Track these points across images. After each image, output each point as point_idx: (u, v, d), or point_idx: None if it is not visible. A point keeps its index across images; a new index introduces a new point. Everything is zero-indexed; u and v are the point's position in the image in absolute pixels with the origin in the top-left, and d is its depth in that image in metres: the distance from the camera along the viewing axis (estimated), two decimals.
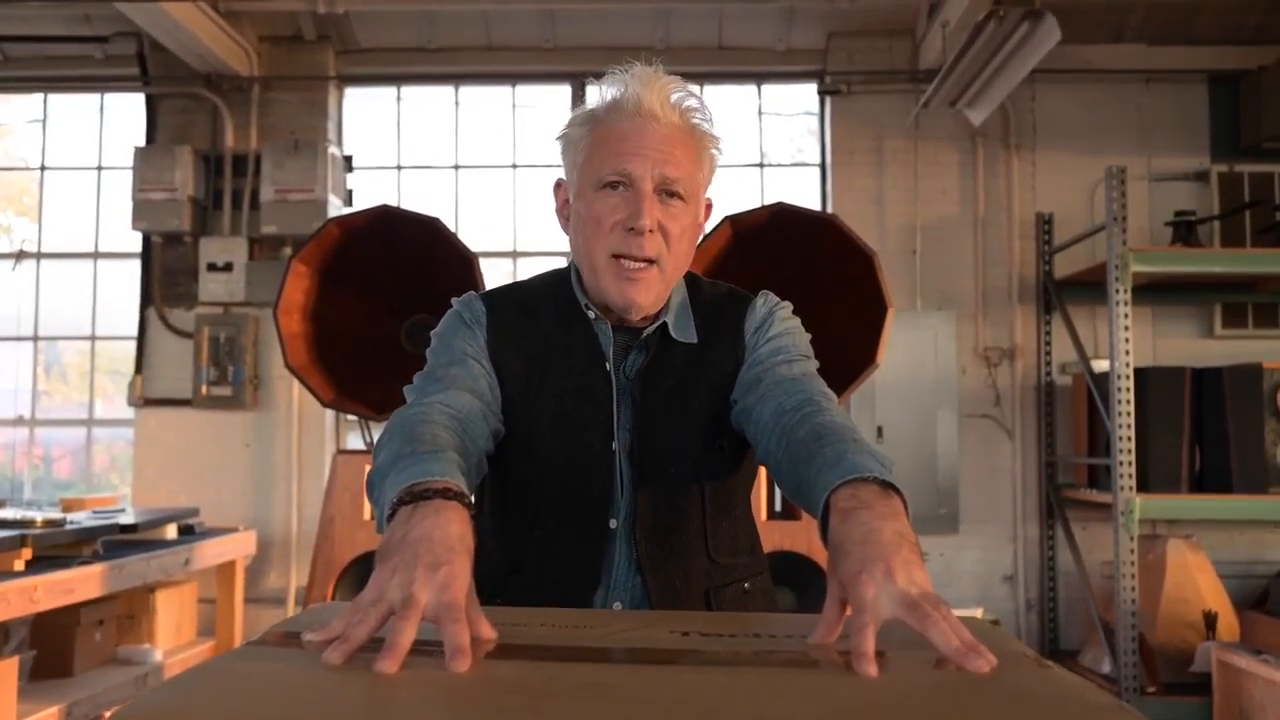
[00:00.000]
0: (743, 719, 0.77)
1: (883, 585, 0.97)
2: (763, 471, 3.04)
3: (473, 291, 1.62)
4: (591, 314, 1.53)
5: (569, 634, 1.08)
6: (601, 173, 1.46)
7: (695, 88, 1.53)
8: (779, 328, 1.55)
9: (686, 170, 1.48)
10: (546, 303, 1.58)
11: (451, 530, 1.05)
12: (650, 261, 1.45)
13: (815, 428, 1.29)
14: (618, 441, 1.49)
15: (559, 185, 1.60)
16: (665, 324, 1.53)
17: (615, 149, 1.45)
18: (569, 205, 1.56)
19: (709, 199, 1.59)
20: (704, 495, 1.52)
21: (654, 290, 1.48)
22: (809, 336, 1.60)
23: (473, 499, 1.17)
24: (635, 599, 1.48)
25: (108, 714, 4.14)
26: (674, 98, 1.49)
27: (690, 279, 1.61)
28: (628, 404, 1.51)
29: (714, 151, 1.54)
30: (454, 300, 1.60)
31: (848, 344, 3.57)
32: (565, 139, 1.55)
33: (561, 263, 1.64)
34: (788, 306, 1.61)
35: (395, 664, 0.89)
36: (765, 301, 1.60)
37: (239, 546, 5.21)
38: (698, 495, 1.52)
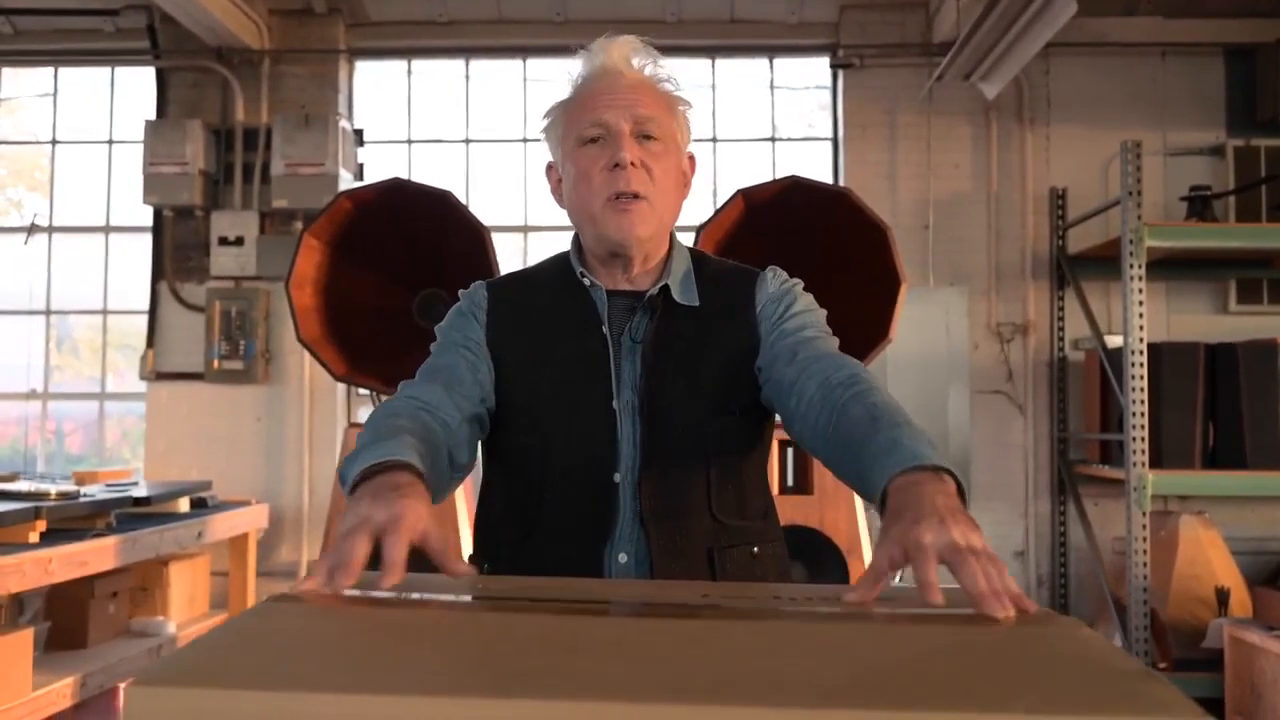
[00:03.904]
0: (765, 672, 0.78)
1: (938, 532, 1.01)
2: (774, 446, 3.02)
3: (480, 280, 1.67)
4: (587, 281, 1.58)
5: (591, 592, 1.08)
6: (580, 129, 1.54)
7: (652, 49, 1.60)
8: (803, 304, 1.59)
9: (658, 112, 1.55)
10: (548, 281, 1.64)
11: (402, 478, 1.16)
12: (638, 196, 1.52)
13: (869, 408, 1.31)
14: (618, 400, 1.52)
15: (550, 168, 1.67)
16: (667, 286, 1.57)
17: (589, 106, 1.54)
18: (561, 183, 1.63)
19: (691, 154, 1.65)
20: (709, 455, 1.54)
21: (649, 223, 1.54)
22: (825, 313, 1.63)
23: (431, 476, 1.27)
24: (639, 552, 1.50)
25: (123, 685, 4.17)
26: (635, 60, 1.57)
27: (698, 254, 1.66)
28: (630, 364, 1.54)
29: (682, 108, 1.61)
30: (460, 291, 1.66)
31: (860, 319, 3.55)
32: (547, 125, 1.64)
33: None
34: (800, 282, 1.64)
35: (346, 579, 1.01)
36: (776, 275, 1.63)
37: (251, 519, 5.24)
38: (702, 455, 1.54)
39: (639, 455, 1.51)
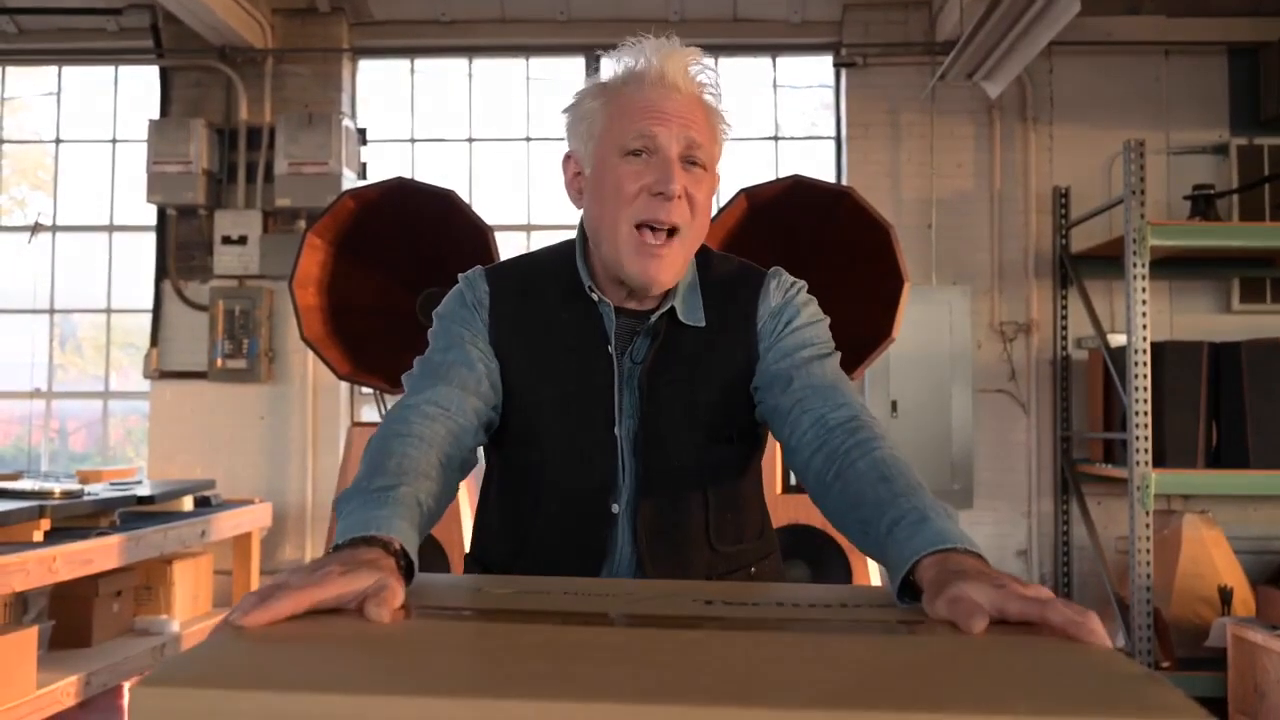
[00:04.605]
0: (768, 675, 0.78)
1: (996, 587, 0.97)
2: (775, 446, 3.02)
3: (479, 266, 1.58)
4: (595, 296, 1.49)
5: (593, 601, 1.08)
6: (625, 140, 1.42)
7: (711, 61, 1.50)
8: (804, 318, 1.52)
9: (707, 139, 1.45)
10: (551, 281, 1.54)
11: (364, 556, 1.07)
12: (674, 231, 1.42)
13: (877, 464, 1.27)
14: (620, 428, 1.46)
15: (568, 158, 1.55)
16: (673, 308, 1.49)
17: (638, 116, 1.42)
18: (581, 177, 1.52)
19: (718, 174, 1.56)
20: (708, 487, 1.49)
21: (675, 267, 1.44)
22: (828, 320, 1.56)
23: (407, 541, 1.13)
24: None
25: (127, 684, 4.17)
26: (693, 70, 1.46)
27: (701, 253, 1.56)
28: (631, 391, 1.47)
29: (724, 127, 1.51)
30: (460, 276, 1.57)
31: (863, 318, 3.55)
32: (576, 111, 1.51)
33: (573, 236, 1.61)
34: (803, 287, 1.57)
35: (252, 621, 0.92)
36: (779, 284, 1.55)
37: (255, 518, 5.24)
38: (701, 487, 1.49)
39: (637, 488, 1.46)
